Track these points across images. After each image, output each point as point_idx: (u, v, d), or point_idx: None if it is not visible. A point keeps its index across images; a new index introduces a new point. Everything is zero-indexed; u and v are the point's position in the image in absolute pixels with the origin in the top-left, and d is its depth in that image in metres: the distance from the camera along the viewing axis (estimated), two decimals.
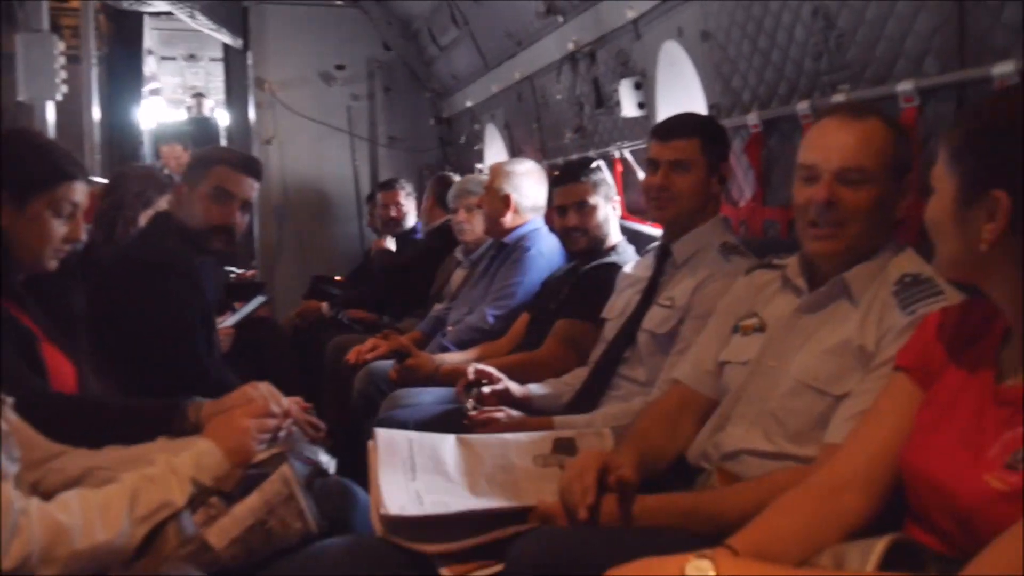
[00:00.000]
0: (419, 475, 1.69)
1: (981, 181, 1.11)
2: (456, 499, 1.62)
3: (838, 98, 2.15)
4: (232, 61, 7.63)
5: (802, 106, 2.31)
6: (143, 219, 3.27)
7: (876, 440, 1.30)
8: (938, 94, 1.93)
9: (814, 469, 1.42)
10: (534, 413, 2.27)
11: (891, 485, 1.27)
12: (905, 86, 1.95)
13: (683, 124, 2.30)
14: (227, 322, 3.55)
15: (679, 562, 1.07)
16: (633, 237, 3.05)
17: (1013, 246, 1.10)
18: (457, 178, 4.44)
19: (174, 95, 11.15)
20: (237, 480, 1.56)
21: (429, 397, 2.70)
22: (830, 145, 1.59)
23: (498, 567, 1.46)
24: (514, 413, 2.23)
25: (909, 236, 1.79)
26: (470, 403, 2.25)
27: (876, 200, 1.57)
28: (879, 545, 1.09)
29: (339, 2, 6.15)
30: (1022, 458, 1.07)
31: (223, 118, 9.12)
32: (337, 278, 5.35)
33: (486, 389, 2.30)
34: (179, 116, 10.21)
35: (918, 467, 1.21)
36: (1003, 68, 1.66)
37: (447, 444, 1.83)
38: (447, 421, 2.28)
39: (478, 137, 5.63)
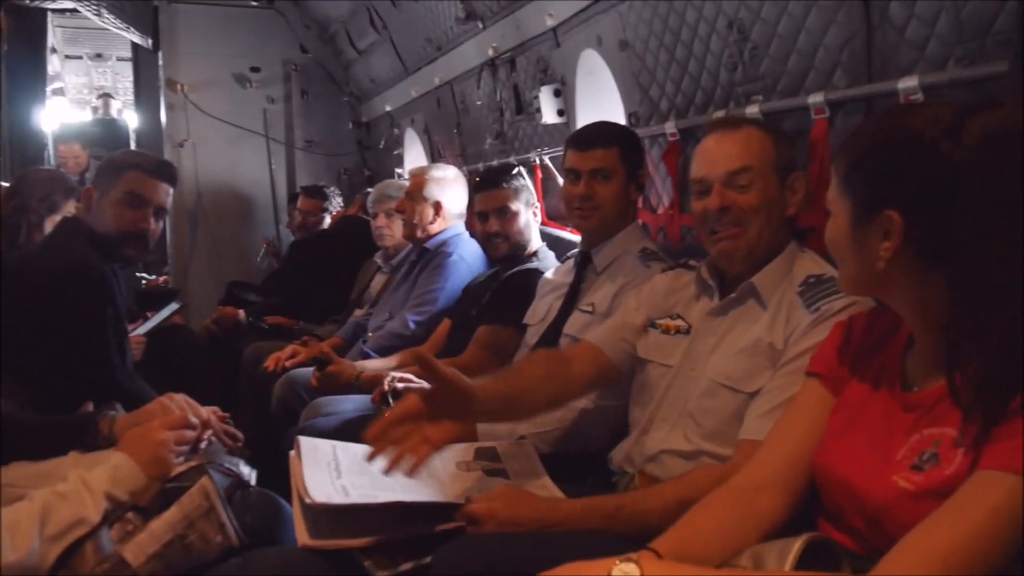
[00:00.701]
0: (344, 474, 1.66)
1: (873, 203, 1.17)
2: (383, 493, 1.61)
3: (752, 109, 2.21)
4: (142, 61, 7.43)
5: (718, 115, 2.37)
6: (49, 225, 3.15)
7: (791, 444, 1.35)
8: (847, 106, 2.00)
9: (732, 468, 1.47)
10: None
11: (806, 487, 1.31)
12: (816, 98, 2.02)
13: (601, 133, 2.33)
14: (139, 330, 3.45)
15: (605, 566, 1.09)
16: (553, 243, 3.08)
17: (909, 261, 1.16)
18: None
19: (79, 95, 10.77)
20: (154, 494, 1.52)
21: (351, 405, 2.67)
22: (715, 157, 1.73)
23: (425, 559, 1.45)
24: None
25: (819, 243, 1.86)
26: (390, 399, 2.23)
27: (765, 199, 1.70)
28: (796, 544, 1.13)
29: (254, 3, 6.05)
30: (927, 460, 1.12)
31: (132, 120, 8.85)
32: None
33: (400, 385, 2.28)
34: (84, 117, 9.85)
35: (830, 469, 1.26)
36: (907, 83, 1.73)
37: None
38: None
39: (398, 142, 5.60)
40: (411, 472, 1.49)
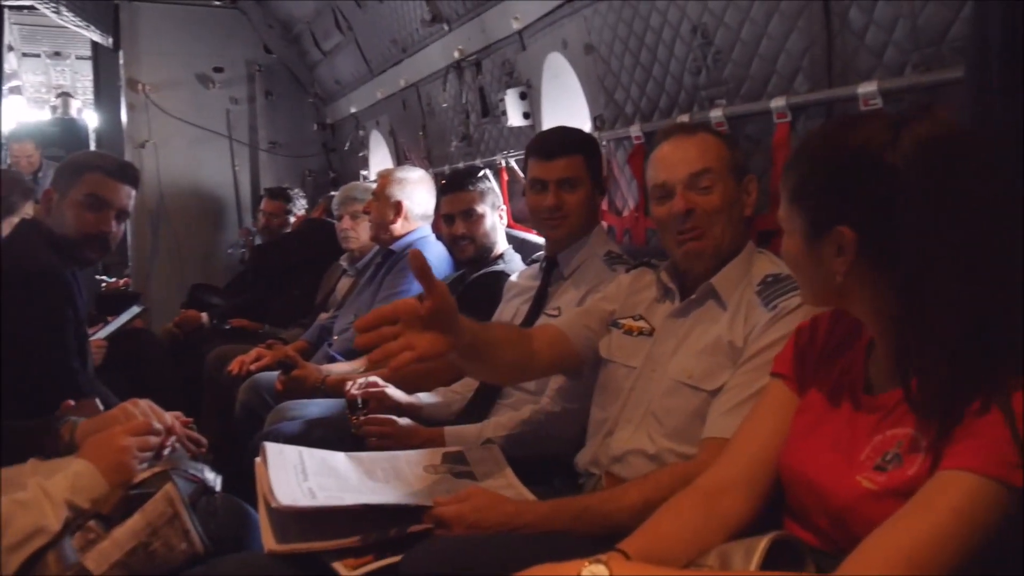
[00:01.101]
0: (311, 477, 1.66)
1: (824, 219, 1.19)
2: (350, 495, 1.60)
3: (716, 113, 2.23)
4: (102, 60, 7.30)
5: (683, 119, 2.39)
6: (6, 227, 3.10)
7: (756, 444, 1.37)
8: (808, 111, 2.03)
9: (697, 466, 1.49)
10: (424, 422, 2.27)
11: (771, 486, 1.33)
12: (778, 102, 2.05)
13: (564, 141, 2.34)
14: (99, 334, 3.41)
15: (575, 567, 1.10)
16: (519, 245, 3.08)
17: (865, 272, 1.18)
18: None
19: (37, 94, 10.57)
20: (116, 501, 1.50)
21: (316, 409, 2.65)
22: (675, 161, 1.77)
23: (394, 559, 1.45)
24: (403, 422, 2.22)
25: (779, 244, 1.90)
26: (359, 403, 2.22)
27: (726, 200, 1.75)
28: (762, 543, 1.15)
29: (217, 2, 5.99)
30: (890, 460, 1.14)
31: (92, 120, 8.70)
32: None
33: (357, 391, 2.27)
34: (43, 116, 9.66)
35: (795, 469, 1.28)
36: (867, 88, 1.77)
37: (337, 457, 1.81)
38: (336, 433, 2.25)
39: (363, 143, 5.57)
40: (387, 372, 1.44)
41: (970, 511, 1.00)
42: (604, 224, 2.67)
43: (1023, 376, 1.03)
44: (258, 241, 5.29)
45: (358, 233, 3.92)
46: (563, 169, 2.27)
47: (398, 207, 3.36)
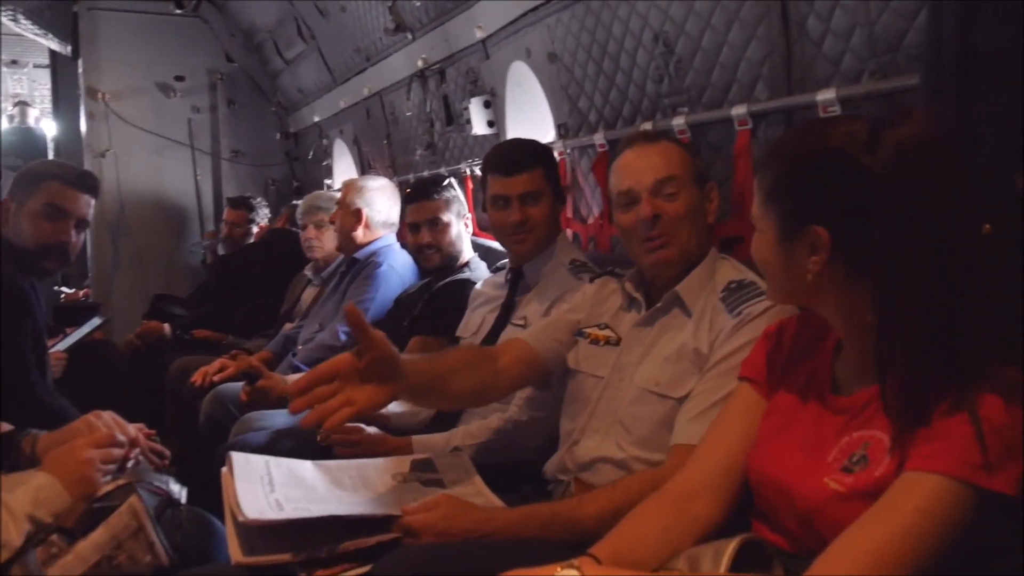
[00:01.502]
0: (278, 488, 1.64)
1: (798, 218, 1.20)
2: (318, 506, 1.58)
3: (678, 120, 2.26)
4: (61, 68, 7.20)
5: (646, 127, 2.41)
6: None
7: (723, 449, 1.38)
8: (769, 118, 2.07)
9: (665, 473, 1.50)
10: (392, 432, 2.26)
11: (739, 489, 1.34)
12: (739, 110, 2.08)
13: (524, 155, 2.34)
14: (59, 346, 3.36)
15: (547, 572, 1.10)
16: (485, 253, 3.09)
17: (836, 272, 1.19)
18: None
19: None
20: (79, 515, 1.48)
21: (282, 419, 2.63)
22: (640, 168, 1.78)
23: (363, 569, 1.44)
24: (371, 430, 2.21)
25: (744, 253, 1.92)
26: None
27: (691, 206, 1.76)
28: (730, 546, 1.16)
29: (178, 11, 5.92)
30: (857, 462, 1.16)
31: (50, 129, 8.56)
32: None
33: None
34: None
35: (763, 472, 1.29)
36: (825, 95, 1.80)
37: (304, 466, 1.80)
38: (302, 443, 2.24)
39: (326, 152, 5.55)
40: (325, 432, 1.44)
41: (935, 511, 1.01)
42: (569, 232, 2.68)
43: (990, 380, 1.05)
44: (221, 251, 5.24)
45: (322, 242, 3.90)
46: (524, 184, 2.28)
47: (358, 215, 3.36)
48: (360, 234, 3.37)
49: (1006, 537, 1.04)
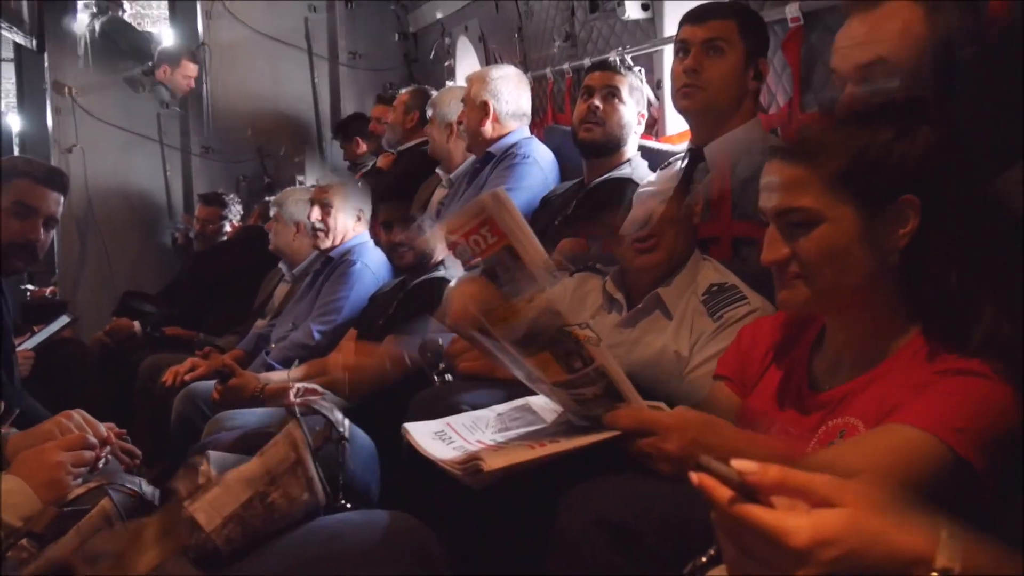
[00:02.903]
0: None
1: (885, 192, 1.18)
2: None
3: None
4: (25, 62, 7.08)
5: None
6: None
7: None
8: None
9: None
10: None
11: None
12: None
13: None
14: (25, 344, 3.31)
15: None
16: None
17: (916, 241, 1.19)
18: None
19: None
20: (50, 519, 1.46)
21: (254, 418, 2.61)
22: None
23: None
24: None
25: (721, 253, 1.93)
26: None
27: (669, 215, 1.78)
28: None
29: None
30: (834, 444, 1.17)
31: (15, 124, 8.42)
32: None
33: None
34: None
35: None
36: None
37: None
38: None
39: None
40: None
41: (907, 455, 1.04)
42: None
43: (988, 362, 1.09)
44: (196, 247, 5.19)
45: (275, 234, 3.85)
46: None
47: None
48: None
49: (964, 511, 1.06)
